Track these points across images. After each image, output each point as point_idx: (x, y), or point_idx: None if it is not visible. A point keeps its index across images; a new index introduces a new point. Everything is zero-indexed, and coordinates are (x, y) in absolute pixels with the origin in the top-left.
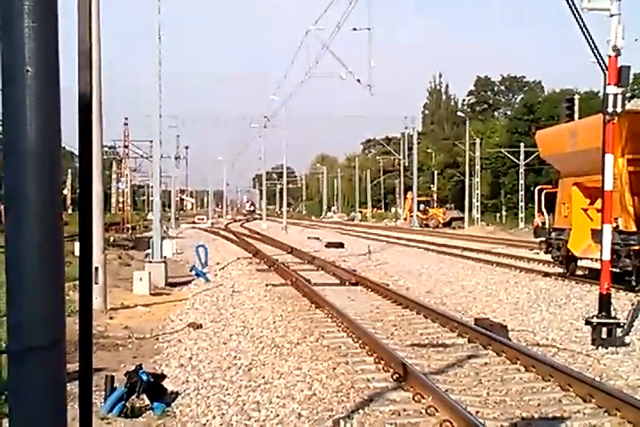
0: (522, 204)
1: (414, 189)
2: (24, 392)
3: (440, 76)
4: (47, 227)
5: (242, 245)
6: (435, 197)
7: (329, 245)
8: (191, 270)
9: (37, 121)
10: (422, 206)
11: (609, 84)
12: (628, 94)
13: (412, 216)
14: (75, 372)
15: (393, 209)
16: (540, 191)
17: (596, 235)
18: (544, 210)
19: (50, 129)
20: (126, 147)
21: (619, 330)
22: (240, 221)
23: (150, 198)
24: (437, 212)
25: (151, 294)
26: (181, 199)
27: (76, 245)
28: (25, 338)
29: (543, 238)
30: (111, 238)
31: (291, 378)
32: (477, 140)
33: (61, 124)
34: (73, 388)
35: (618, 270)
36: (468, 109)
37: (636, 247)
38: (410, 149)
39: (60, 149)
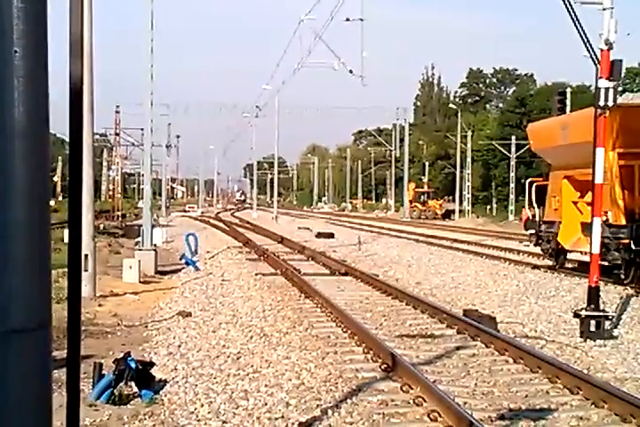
0: (512, 196)
1: (405, 181)
2: (8, 375)
3: (432, 67)
4: (34, 208)
5: (232, 235)
6: (426, 188)
7: (319, 235)
8: (181, 259)
9: (25, 102)
10: (423, 198)
11: (601, 78)
12: (620, 88)
13: (415, 206)
14: (63, 359)
15: (384, 200)
16: (531, 184)
17: (586, 228)
18: (534, 203)
19: (38, 110)
20: (117, 134)
21: (607, 323)
22: (230, 210)
23: (141, 186)
24: (435, 204)
25: (141, 281)
26: (172, 188)
27: (66, 232)
28: (10, 320)
29: (533, 231)
30: (101, 226)
31: (279, 367)
32: (469, 133)
33: (50, 109)
34: (61, 375)
35: (607, 264)
36: (460, 101)
37: (626, 241)
38: (401, 140)
39: (48, 130)
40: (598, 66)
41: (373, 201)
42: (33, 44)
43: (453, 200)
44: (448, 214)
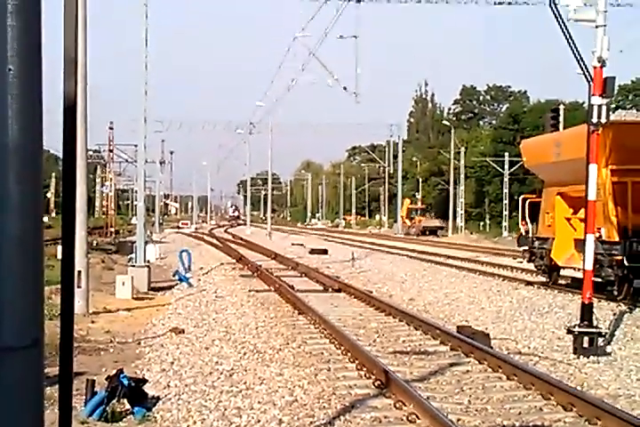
0: (506, 213)
1: (399, 197)
2: (0, 393)
3: (426, 84)
4: (27, 224)
5: (225, 251)
6: (419, 205)
7: (313, 251)
8: (174, 275)
9: (19, 119)
10: (414, 214)
11: (594, 95)
12: (613, 105)
13: (404, 222)
14: (55, 375)
15: (377, 216)
16: (524, 200)
17: (579, 244)
18: (528, 219)
19: (31, 127)
20: (111, 151)
21: (600, 339)
22: (224, 226)
23: (134, 203)
24: (421, 219)
25: (134, 298)
26: (165, 204)
27: (59, 248)
28: (3, 337)
29: (526, 247)
30: (94, 242)
31: (272, 384)
32: (462, 149)
33: (44, 126)
34: (53, 391)
35: (600, 280)
36: (454, 118)
37: (619, 257)
38: (395, 156)
39: (41, 147)
40: (591, 83)
41: (367, 217)
42: (27, 62)
43: (442, 217)
44: (434, 231)
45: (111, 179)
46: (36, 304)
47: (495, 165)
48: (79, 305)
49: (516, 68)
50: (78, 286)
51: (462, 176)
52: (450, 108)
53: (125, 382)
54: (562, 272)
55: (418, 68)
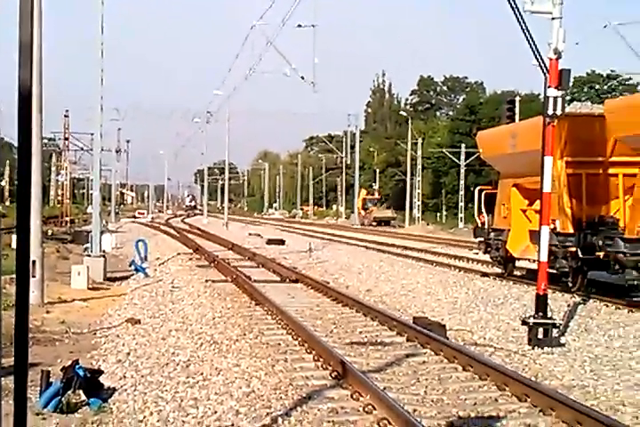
0: (462, 204)
1: (356, 188)
2: None
3: (383, 74)
4: None
5: (182, 241)
6: (375, 196)
7: (270, 242)
8: (130, 265)
9: None
10: (369, 205)
11: (549, 87)
12: (568, 97)
13: (360, 213)
14: (10, 366)
15: (334, 207)
16: (480, 192)
17: (534, 236)
18: (484, 210)
19: None
20: (66, 139)
21: (555, 330)
22: (181, 216)
23: (90, 192)
24: (373, 210)
25: (89, 288)
26: (122, 193)
27: (14, 237)
28: None
29: (482, 239)
30: (49, 232)
31: (229, 375)
32: (419, 140)
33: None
34: (8, 383)
35: (555, 271)
36: (411, 109)
37: (573, 249)
38: (352, 147)
39: None
40: (547, 75)
41: (324, 208)
42: None
43: (399, 208)
44: (387, 222)
45: (66, 167)
46: None
47: (452, 157)
48: (34, 295)
49: (472, 59)
50: (33, 276)
51: (419, 167)
52: (407, 99)
53: (81, 372)
54: (517, 264)
55: (376, 58)
